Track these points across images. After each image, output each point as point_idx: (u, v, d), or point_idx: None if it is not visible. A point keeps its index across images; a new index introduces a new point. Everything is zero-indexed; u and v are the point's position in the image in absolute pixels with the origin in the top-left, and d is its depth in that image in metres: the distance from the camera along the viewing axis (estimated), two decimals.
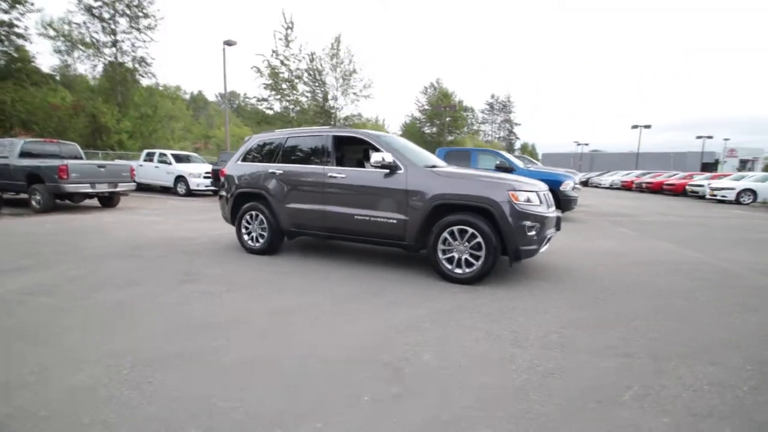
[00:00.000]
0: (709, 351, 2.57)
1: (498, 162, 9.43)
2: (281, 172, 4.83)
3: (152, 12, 22.59)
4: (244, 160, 5.31)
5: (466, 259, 3.82)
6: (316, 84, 24.66)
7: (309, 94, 24.81)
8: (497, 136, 70.48)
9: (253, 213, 5.03)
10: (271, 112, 24.66)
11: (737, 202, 16.01)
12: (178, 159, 14.26)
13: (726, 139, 47.44)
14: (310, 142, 4.88)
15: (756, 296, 3.76)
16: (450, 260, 3.89)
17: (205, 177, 13.26)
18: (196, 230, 6.79)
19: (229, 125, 23.73)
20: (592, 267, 4.73)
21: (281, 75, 23.32)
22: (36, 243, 5.44)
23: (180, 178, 13.50)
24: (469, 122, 53.52)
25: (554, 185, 8.17)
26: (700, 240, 7.03)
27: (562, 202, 8.51)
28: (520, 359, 2.38)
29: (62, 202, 9.28)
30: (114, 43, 22.25)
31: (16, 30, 19.31)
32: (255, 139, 5.37)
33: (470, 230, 3.76)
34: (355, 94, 25.42)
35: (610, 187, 28.65)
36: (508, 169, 8.99)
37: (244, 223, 5.13)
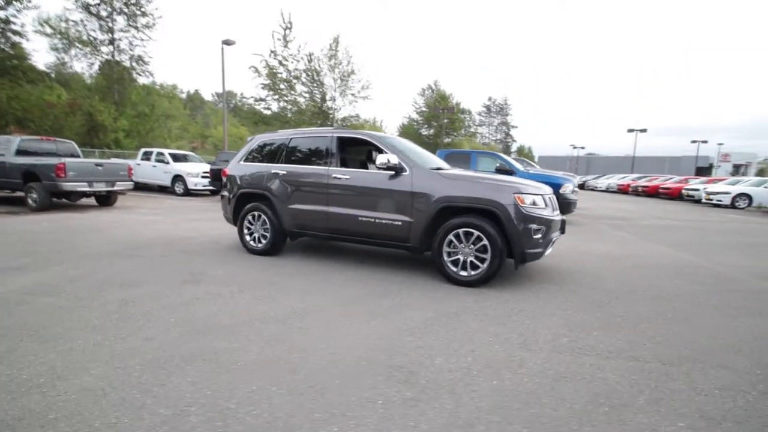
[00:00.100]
0: (715, 355, 2.58)
1: (498, 164, 9.46)
2: (285, 172, 4.81)
3: (150, 10, 22.49)
4: (247, 160, 5.28)
5: (471, 261, 3.82)
6: (314, 84, 24.61)
7: (307, 95, 24.76)
8: (494, 138, 70.73)
9: (256, 213, 5.00)
10: (268, 113, 24.59)
11: (732, 206, 16.18)
12: (176, 158, 14.17)
13: (720, 144, 48.03)
14: (313, 143, 4.86)
15: (756, 300, 3.78)
16: (455, 263, 3.89)
17: (203, 176, 13.18)
18: (196, 230, 6.74)
19: (226, 125, 23.61)
20: (594, 270, 4.75)
21: (279, 75, 23.26)
22: (33, 242, 5.38)
23: (178, 178, 13.41)
24: (466, 124, 53.68)
25: (554, 188, 8.18)
26: (697, 244, 7.08)
27: (562, 205, 8.51)
28: (531, 363, 2.37)
29: (59, 200, 9.18)
30: (111, 41, 22.11)
31: (13, 27, 19.11)
32: (258, 140, 5.34)
33: (476, 233, 3.76)
34: (353, 95, 25.42)
35: (607, 191, 28.84)
36: (508, 171, 9.02)
37: (246, 223, 5.09)
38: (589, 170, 51.71)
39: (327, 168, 4.58)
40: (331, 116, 25.18)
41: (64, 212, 8.32)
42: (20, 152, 8.80)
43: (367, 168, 5.07)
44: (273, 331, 2.73)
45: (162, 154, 14.19)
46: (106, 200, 9.66)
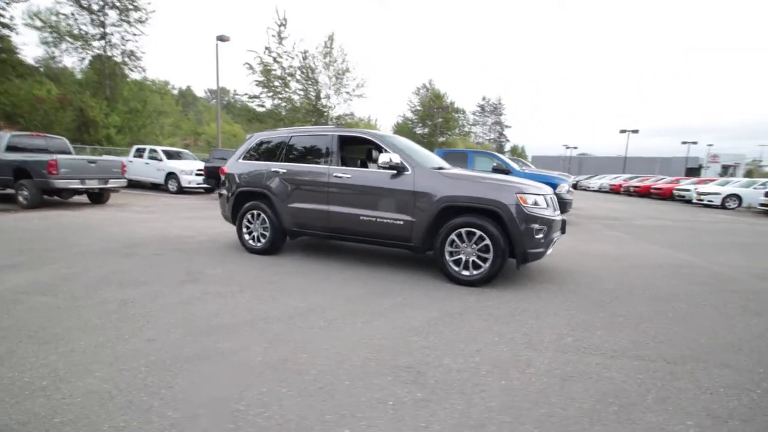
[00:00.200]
0: (716, 354, 2.61)
1: (495, 164, 9.49)
2: (285, 171, 4.77)
3: (143, 5, 22.17)
4: (246, 158, 5.22)
5: (473, 261, 3.82)
6: (309, 82, 24.47)
7: (302, 92, 24.62)
8: (488, 138, 70.96)
9: (255, 212, 4.95)
10: (262, 110, 24.39)
11: (722, 206, 16.44)
12: (169, 155, 13.99)
13: (710, 145, 48.75)
14: (314, 142, 4.83)
15: (755, 300, 3.84)
16: (457, 262, 3.89)
17: (197, 174, 13.03)
18: (191, 228, 6.66)
19: (220, 122, 23.39)
20: (592, 270, 4.79)
21: (273, 72, 23.08)
22: (26, 240, 5.27)
23: (171, 175, 13.25)
24: (460, 124, 53.82)
25: (550, 188, 8.24)
26: (691, 244, 7.18)
27: (558, 204, 8.60)
28: (537, 362, 2.38)
29: (50, 198, 9.02)
30: (103, 36, 21.76)
31: (1, 20, 18.73)
32: (257, 138, 5.29)
33: (478, 232, 3.77)
34: (348, 93, 25.33)
35: (599, 191, 29.12)
36: (505, 171, 9.06)
37: (245, 222, 5.04)
38: (581, 170, 52.19)
39: (328, 167, 4.55)
40: (325, 114, 25.06)
41: (56, 210, 8.18)
42: (10, 148, 8.63)
43: (366, 167, 5.05)
44: (276, 331, 2.70)
45: (155, 151, 14.00)
46: (98, 198, 9.51)
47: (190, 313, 2.94)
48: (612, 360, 2.46)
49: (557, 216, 4.09)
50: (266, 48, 22.57)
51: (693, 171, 45.57)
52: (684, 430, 1.78)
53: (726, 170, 47.65)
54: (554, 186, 8.82)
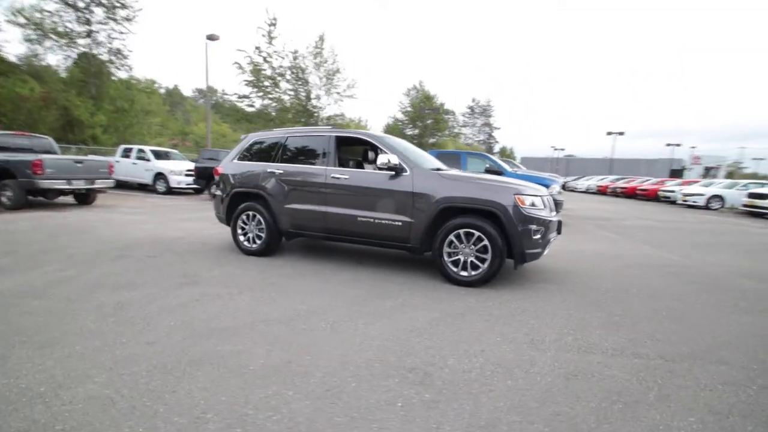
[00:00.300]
0: (712, 351, 2.67)
1: (488, 165, 9.57)
2: (281, 171, 4.73)
3: (130, 2, 21.75)
4: (241, 159, 5.17)
5: (471, 261, 3.84)
6: (299, 82, 24.32)
7: (292, 93, 24.44)
8: (477, 139, 71.49)
9: (251, 213, 4.90)
10: (252, 110, 24.15)
11: (706, 207, 16.84)
12: (158, 156, 13.75)
13: (693, 147, 49.88)
14: (311, 142, 4.80)
15: (744, 299, 3.94)
16: (455, 263, 3.91)
17: (186, 174, 12.85)
18: (183, 229, 6.56)
19: (210, 122, 23.10)
20: (587, 270, 4.85)
21: (263, 72, 22.88)
22: (12, 242, 5.13)
23: (160, 176, 13.03)
24: (450, 125, 54.09)
25: None
26: (679, 244, 7.33)
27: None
28: (541, 362, 2.40)
29: (35, 198, 8.79)
30: (89, 34, 21.27)
31: None
32: (252, 138, 5.24)
33: (476, 233, 3.79)
34: (338, 93, 25.24)
35: (586, 191, 29.56)
36: (497, 172, 9.12)
37: (240, 223, 4.99)
38: (568, 172, 52.91)
39: (325, 168, 4.52)
40: (315, 114, 24.93)
41: (41, 211, 7.97)
42: None
43: (363, 168, 5.04)
44: (277, 334, 2.67)
45: (143, 151, 13.75)
46: (84, 198, 9.30)
47: (189, 316, 2.90)
48: (612, 358, 2.49)
49: (553, 217, 4.14)
50: (256, 47, 22.39)
51: (677, 172, 46.59)
52: (687, 426, 1.82)
53: (708, 171, 48.82)
54: (546, 187, 8.94)
